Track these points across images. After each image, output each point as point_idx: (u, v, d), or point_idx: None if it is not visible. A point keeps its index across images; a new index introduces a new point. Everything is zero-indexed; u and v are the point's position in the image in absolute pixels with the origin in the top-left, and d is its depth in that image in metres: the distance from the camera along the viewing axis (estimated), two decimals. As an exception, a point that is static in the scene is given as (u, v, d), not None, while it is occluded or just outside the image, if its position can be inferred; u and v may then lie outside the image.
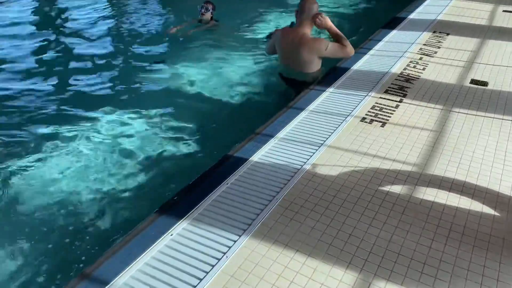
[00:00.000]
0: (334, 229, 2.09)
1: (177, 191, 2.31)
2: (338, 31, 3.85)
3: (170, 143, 3.28)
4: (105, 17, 6.57)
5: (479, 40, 4.61)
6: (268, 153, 2.70)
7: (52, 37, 5.84)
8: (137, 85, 4.25)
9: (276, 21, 6.36)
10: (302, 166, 2.56)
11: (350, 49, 3.84)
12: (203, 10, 5.67)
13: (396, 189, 2.36)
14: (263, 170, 2.53)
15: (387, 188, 2.37)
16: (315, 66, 3.90)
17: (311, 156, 2.65)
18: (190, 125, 3.53)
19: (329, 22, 3.82)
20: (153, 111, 3.72)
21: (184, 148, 3.24)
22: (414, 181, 2.43)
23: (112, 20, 6.54)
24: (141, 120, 3.60)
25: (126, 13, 6.82)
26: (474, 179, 2.44)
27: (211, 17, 5.79)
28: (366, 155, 2.66)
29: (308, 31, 3.85)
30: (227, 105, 3.90)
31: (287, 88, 4.01)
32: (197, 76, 4.43)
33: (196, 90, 4.18)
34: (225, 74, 4.44)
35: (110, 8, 7.02)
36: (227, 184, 2.40)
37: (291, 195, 2.32)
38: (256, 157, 2.66)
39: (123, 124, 3.57)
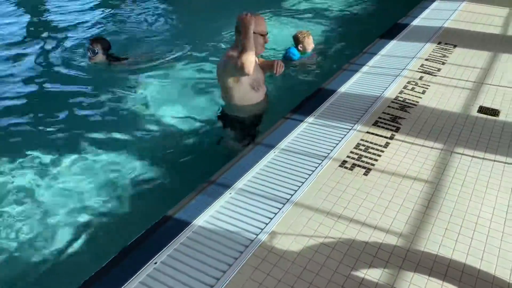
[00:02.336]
0: None
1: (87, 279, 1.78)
2: (246, 37, 2.76)
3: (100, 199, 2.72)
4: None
5: (490, 54, 3.99)
6: (218, 212, 2.16)
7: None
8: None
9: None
10: (258, 234, 2.01)
11: (239, 63, 2.76)
12: (89, 54, 4.35)
13: (375, 274, 1.81)
14: (207, 241, 1.99)
15: (362, 273, 1.82)
16: (235, 93, 3.06)
17: (271, 218, 2.10)
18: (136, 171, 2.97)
19: (242, 19, 2.79)
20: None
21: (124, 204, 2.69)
22: (399, 262, 1.87)
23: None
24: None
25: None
26: (477, 261, 1.87)
27: (108, 57, 4.41)
28: (341, 219, 2.10)
29: (236, 50, 2.92)
30: (184, 145, 3.28)
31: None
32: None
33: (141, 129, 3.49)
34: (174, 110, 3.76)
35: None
36: (155, 263, 1.86)
37: (239, 279, 1.78)
38: (202, 219, 2.12)
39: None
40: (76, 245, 2.40)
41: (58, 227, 2.55)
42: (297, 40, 4.40)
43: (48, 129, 3.42)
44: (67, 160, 3.02)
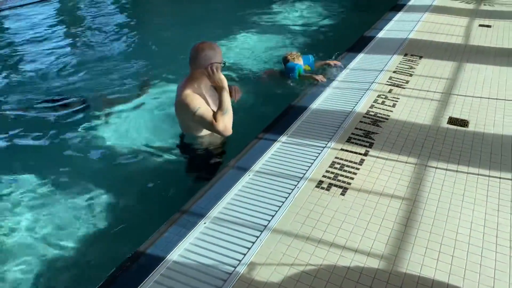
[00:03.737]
0: None
1: None
2: (224, 97, 2.67)
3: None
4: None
5: (455, 64, 4.08)
6: (193, 244, 2.06)
7: None
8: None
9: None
10: (236, 267, 1.92)
11: (221, 128, 2.64)
12: None
13: (358, 302, 1.75)
14: (182, 277, 1.88)
15: (346, 301, 1.76)
16: (196, 129, 2.87)
17: (249, 248, 2.02)
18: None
19: (218, 79, 2.67)
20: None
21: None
22: (382, 286, 1.82)
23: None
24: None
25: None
26: (460, 280, 1.85)
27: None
28: (321, 244, 2.04)
29: (194, 84, 2.74)
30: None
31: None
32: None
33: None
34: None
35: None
36: (128, 307, 1.74)
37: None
38: (177, 253, 2.01)
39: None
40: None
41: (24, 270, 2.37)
42: (286, 62, 4.19)
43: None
44: (24, 197, 2.82)
